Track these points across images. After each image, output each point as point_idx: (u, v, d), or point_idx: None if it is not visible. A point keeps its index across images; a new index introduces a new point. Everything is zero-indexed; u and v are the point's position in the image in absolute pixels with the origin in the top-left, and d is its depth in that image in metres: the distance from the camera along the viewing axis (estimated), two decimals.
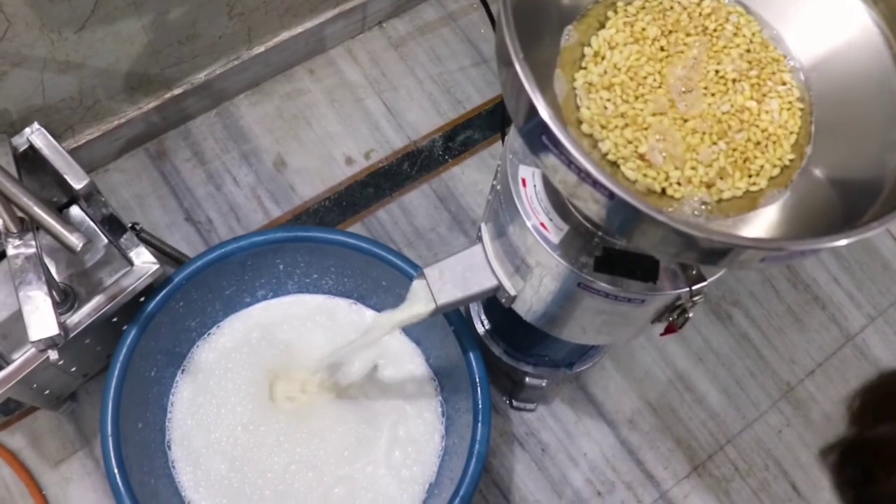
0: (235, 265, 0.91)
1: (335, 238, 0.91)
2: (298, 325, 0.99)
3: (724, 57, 0.57)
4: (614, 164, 0.55)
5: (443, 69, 1.20)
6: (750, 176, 0.55)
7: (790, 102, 0.57)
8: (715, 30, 0.59)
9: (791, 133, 0.57)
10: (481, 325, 0.98)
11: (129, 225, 0.95)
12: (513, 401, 1.03)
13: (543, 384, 0.97)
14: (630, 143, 0.55)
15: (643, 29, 0.57)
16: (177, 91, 1.06)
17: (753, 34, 0.59)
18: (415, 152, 1.15)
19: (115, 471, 0.80)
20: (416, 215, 1.12)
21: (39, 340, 0.76)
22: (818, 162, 0.55)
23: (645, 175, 0.54)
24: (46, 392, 0.90)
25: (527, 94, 0.44)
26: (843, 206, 0.51)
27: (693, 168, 0.55)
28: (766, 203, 0.55)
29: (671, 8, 0.58)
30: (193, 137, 1.12)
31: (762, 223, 0.53)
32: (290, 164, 1.12)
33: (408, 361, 0.99)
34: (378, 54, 1.20)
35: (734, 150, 0.55)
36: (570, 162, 0.44)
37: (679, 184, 0.54)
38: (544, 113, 0.43)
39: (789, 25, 0.59)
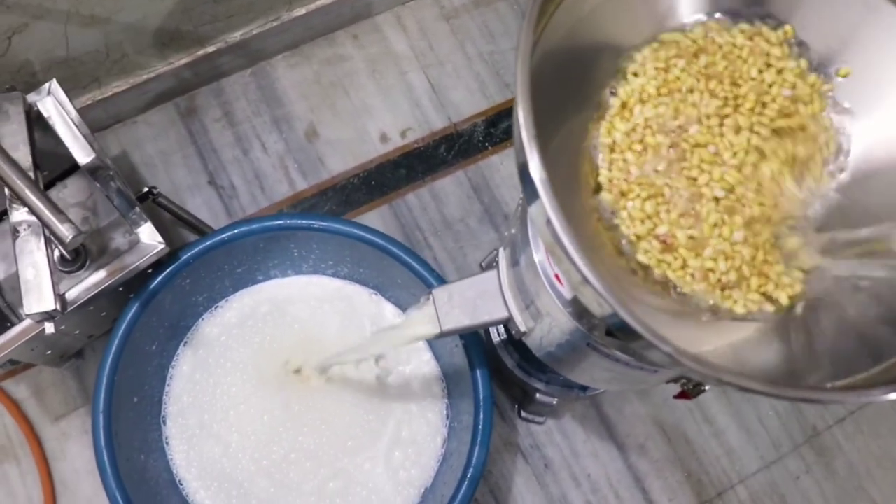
0: (248, 247, 0.88)
1: (351, 231, 0.86)
2: (316, 307, 0.96)
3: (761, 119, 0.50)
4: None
5: (494, 48, 1.13)
6: (767, 282, 0.48)
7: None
8: (768, 84, 0.51)
9: None
10: (497, 334, 0.94)
11: (146, 190, 0.93)
12: (522, 411, 0.99)
13: (554, 402, 0.93)
14: (649, 218, 0.49)
15: (677, 77, 0.50)
16: (210, 49, 1.01)
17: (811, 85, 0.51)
18: (454, 135, 1.09)
19: (103, 447, 0.79)
20: (447, 203, 1.06)
21: (36, 314, 0.75)
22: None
23: (660, 261, 0.48)
24: (49, 352, 0.89)
25: (542, 202, 0.38)
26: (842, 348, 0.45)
27: (714, 259, 0.48)
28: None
29: (721, 55, 0.51)
30: (226, 96, 1.07)
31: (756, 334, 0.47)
32: (322, 134, 1.07)
33: (418, 358, 0.95)
34: (428, 24, 1.13)
35: (757, 246, 0.48)
36: (575, 266, 0.39)
37: (693, 276, 0.48)
38: (558, 224, 0.38)
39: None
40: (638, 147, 0.49)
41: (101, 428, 0.79)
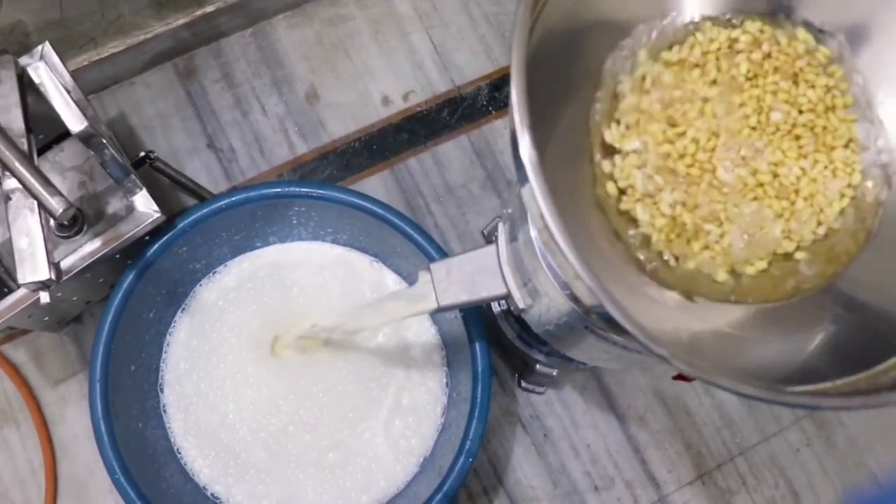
0: (245, 214, 0.87)
1: (350, 199, 0.85)
2: (316, 273, 0.94)
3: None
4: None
5: (500, 9, 1.09)
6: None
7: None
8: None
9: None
10: (498, 304, 0.93)
11: (143, 154, 0.91)
12: (522, 381, 0.98)
13: (554, 373, 0.92)
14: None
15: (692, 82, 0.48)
16: (209, 8, 0.98)
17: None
18: (457, 99, 1.07)
19: (100, 416, 0.79)
20: (449, 168, 1.05)
21: (30, 283, 0.74)
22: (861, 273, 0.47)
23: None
24: (46, 319, 0.89)
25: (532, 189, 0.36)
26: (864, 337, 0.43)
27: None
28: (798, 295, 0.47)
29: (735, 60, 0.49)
30: (225, 57, 1.05)
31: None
32: (322, 97, 1.05)
33: (418, 326, 0.95)
34: None
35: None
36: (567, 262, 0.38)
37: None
38: (548, 214, 0.36)
39: None
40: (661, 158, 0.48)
41: (98, 396, 0.79)
